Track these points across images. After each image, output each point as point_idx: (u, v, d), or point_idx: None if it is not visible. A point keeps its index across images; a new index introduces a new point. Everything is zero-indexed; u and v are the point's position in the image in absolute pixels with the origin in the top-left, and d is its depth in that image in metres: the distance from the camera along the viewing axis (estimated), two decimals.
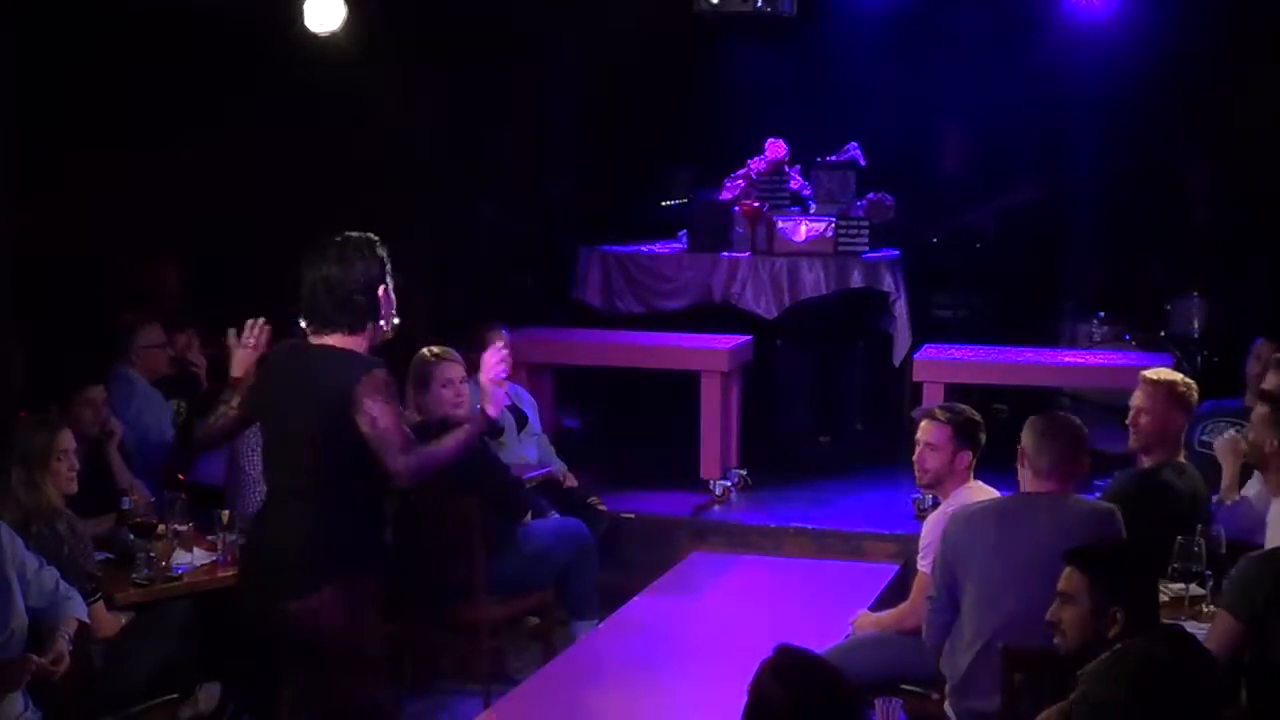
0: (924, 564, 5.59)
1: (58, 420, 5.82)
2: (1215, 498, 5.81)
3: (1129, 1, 9.70)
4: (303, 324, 4.63)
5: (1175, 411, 5.93)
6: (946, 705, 5.13)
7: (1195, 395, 6.00)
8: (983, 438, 5.71)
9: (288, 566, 4.45)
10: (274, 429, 4.62)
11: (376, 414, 4.41)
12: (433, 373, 6.74)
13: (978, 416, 5.76)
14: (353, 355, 4.56)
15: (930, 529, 5.62)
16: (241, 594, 4.75)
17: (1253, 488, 5.83)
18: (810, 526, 8.14)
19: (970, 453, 5.67)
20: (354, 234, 4.72)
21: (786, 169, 9.84)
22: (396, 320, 4.73)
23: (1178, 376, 6.05)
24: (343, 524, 4.48)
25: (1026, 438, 5.18)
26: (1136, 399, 5.95)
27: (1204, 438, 6.80)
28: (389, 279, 4.67)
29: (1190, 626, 4.63)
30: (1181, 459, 5.96)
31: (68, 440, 5.58)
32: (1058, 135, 10.13)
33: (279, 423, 4.57)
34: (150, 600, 5.64)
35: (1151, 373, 6.10)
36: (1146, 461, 5.94)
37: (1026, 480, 5.19)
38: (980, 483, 5.70)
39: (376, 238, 4.73)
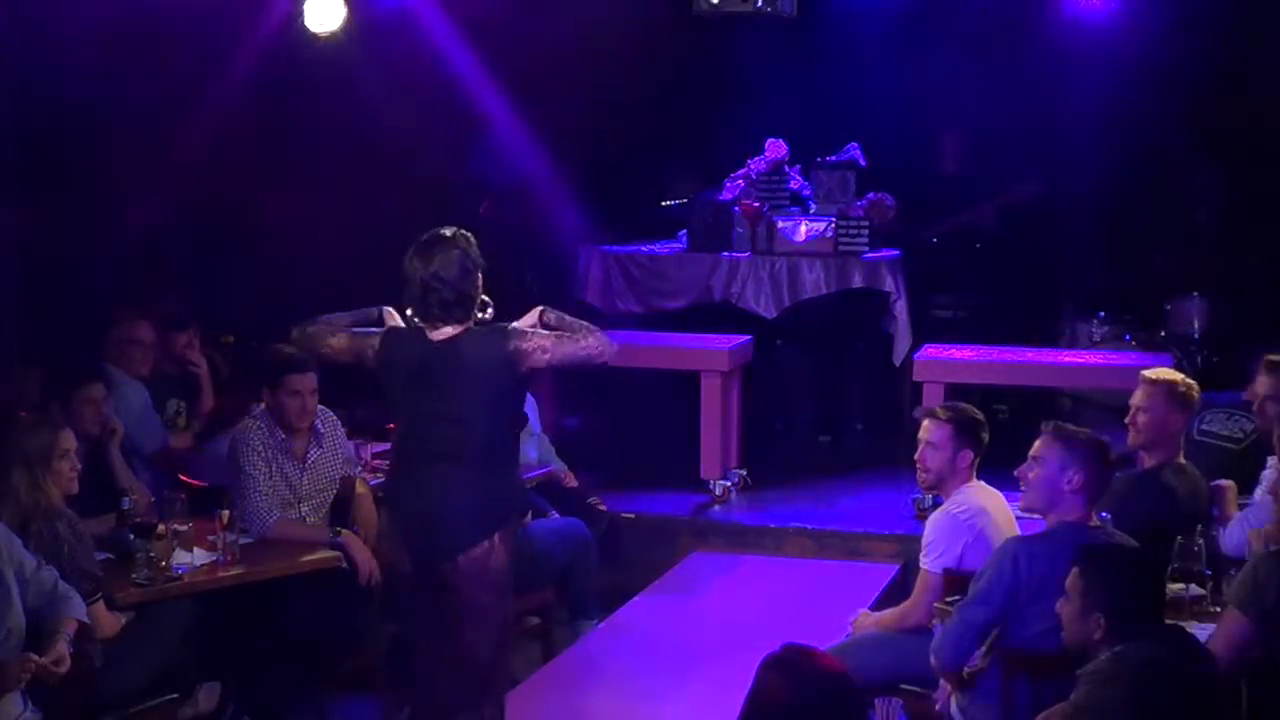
0: (928, 562, 5.58)
1: (59, 419, 5.82)
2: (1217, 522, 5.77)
3: (1129, 1, 9.70)
4: (414, 318, 5.04)
5: (1174, 411, 5.92)
6: (951, 703, 5.12)
7: (1195, 395, 5.99)
8: (985, 437, 5.70)
9: (459, 523, 4.96)
10: (423, 408, 5.03)
11: (543, 345, 4.97)
12: None
13: (980, 416, 5.75)
14: (483, 331, 5.02)
15: (933, 528, 5.61)
16: (404, 552, 5.11)
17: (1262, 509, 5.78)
18: (810, 526, 8.14)
19: (972, 451, 5.66)
20: (447, 231, 5.10)
21: (786, 169, 9.84)
22: (490, 304, 5.10)
23: (1177, 376, 6.05)
24: (497, 483, 5.05)
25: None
26: (1136, 398, 5.96)
27: (1204, 427, 6.80)
28: (480, 268, 5.07)
29: (1191, 627, 4.63)
30: (1181, 459, 5.95)
31: (70, 440, 5.57)
32: (1057, 135, 10.13)
33: (431, 403, 5.00)
34: (150, 600, 5.63)
35: (1151, 372, 6.10)
36: (1146, 460, 5.93)
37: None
38: (982, 483, 5.69)
39: (468, 232, 5.12)
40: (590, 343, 5.07)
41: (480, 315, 5.07)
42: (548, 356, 4.99)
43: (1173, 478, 5.83)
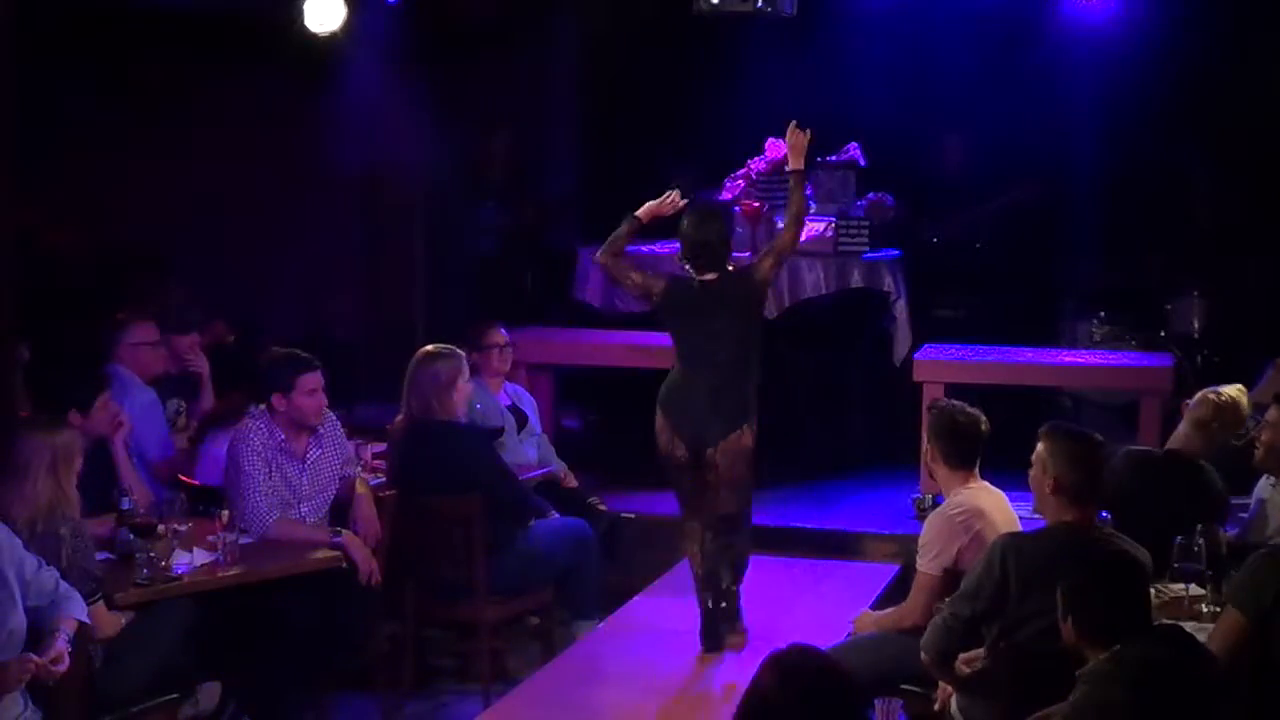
0: (924, 563, 5.58)
1: (71, 419, 5.85)
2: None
3: (1129, 2, 9.70)
4: (686, 264, 6.56)
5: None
6: (952, 703, 5.12)
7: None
8: (964, 435, 5.62)
9: (720, 418, 6.39)
10: (693, 333, 6.51)
11: (771, 263, 6.59)
12: (455, 372, 6.78)
13: (956, 413, 5.68)
14: (734, 273, 6.56)
15: (931, 527, 5.60)
16: (679, 443, 6.47)
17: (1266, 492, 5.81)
18: (810, 526, 8.14)
19: (938, 448, 5.64)
20: (712, 205, 7.16)
21: (786, 169, 9.82)
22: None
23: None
24: (747, 385, 6.48)
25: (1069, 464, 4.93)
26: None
27: None
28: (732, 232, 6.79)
29: (1190, 626, 4.63)
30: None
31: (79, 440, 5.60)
32: (1058, 135, 10.12)
33: (700, 329, 6.48)
34: (150, 600, 5.63)
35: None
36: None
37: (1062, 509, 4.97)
38: (985, 484, 5.66)
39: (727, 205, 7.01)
40: (793, 233, 6.65)
41: (729, 267, 6.50)
42: (778, 267, 6.67)
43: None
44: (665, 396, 6.56)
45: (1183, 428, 5.98)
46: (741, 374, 6.47)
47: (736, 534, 6.60)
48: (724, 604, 6.57)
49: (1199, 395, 6.00)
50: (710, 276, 6.50)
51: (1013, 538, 5.01)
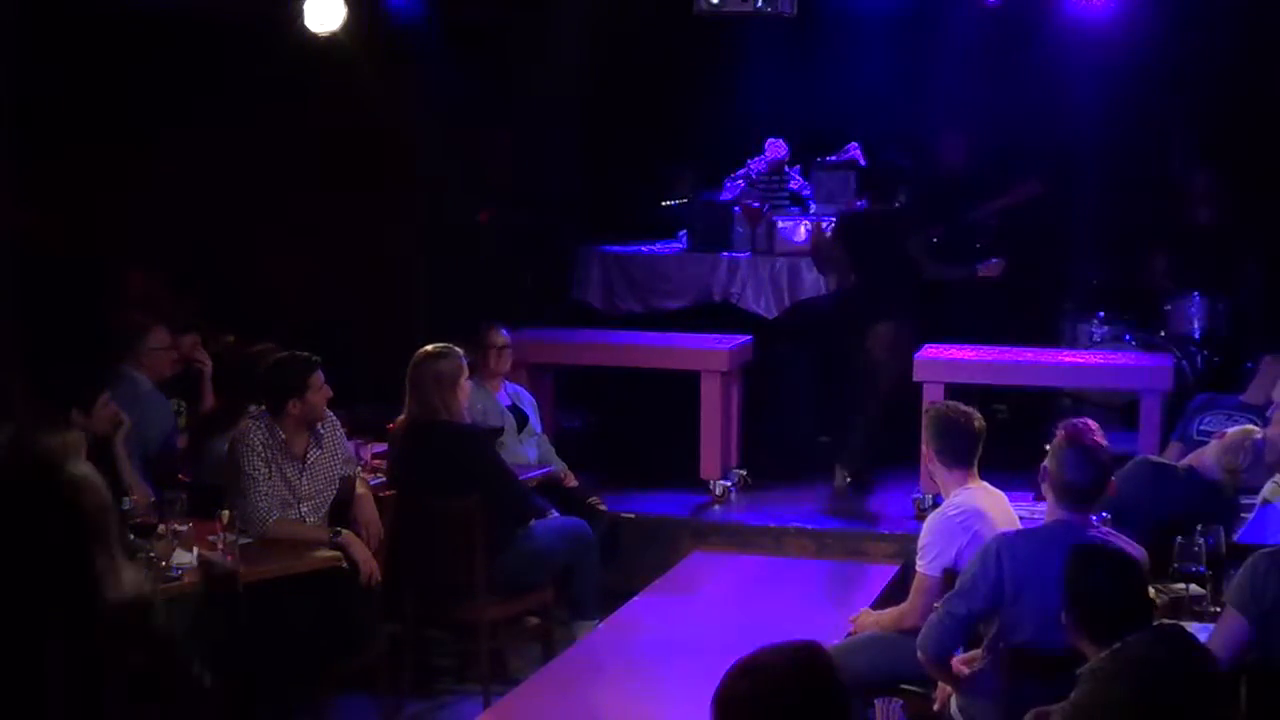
0: (924, 564, 5.57)
1: (79, 420, 5.84)
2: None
3: (1129, 2, 9.69)
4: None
5: None
6: (952, 703, 5.12)
7: None
8: (955, 432, 5.63)
9: (878, 313, 8.58)
10: (867, 250, 8.79)
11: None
12: (455, 371, 6.78)
13: (949, 412, 5.67)
14: (892, 210, 8.96)
15: (930, 529, 5.59)
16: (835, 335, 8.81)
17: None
18: (810, 526, 8.14)
19: (933, 448, 5.63)
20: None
21: (786, 169, 9.85)
22: None
23: None
24: (905, 290, 8.61)
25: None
26: None
27: (1203, 428, 6.81)
28: None
29: (1191, 627, 4.63)
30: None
31: None
32: (1058, 135, 10.12)
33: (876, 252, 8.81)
34: None
35: None
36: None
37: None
38: (986, 484, 5.65)
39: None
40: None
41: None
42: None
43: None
44: (837, 299, 8.93)
45: (1210, 457, 5.95)
46: (898, 282, 8.59)
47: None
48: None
49: (1236, 439, 5.93)
50: (875, 209, 8.79)
51: (1006, 536, 5.01)
